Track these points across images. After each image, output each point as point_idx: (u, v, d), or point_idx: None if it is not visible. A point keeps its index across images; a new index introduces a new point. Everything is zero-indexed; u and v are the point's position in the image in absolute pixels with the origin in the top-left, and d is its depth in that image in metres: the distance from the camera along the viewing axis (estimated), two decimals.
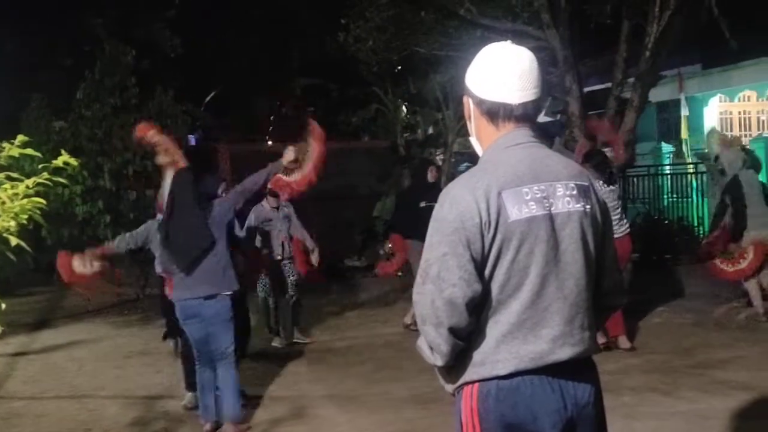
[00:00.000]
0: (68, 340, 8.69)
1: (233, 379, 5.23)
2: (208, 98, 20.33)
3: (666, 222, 12.89)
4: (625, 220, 7.32)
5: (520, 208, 2.04)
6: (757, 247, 7.93)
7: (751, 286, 8.21)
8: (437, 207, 2.09)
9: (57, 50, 15.62)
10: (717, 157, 8.65)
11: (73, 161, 3.27)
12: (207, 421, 5.33)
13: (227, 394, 5.23)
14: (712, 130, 9.26)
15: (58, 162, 3.19)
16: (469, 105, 2.21)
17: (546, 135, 8.88)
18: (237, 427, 5.28)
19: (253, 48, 18.98)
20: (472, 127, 2.23)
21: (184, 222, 5.12)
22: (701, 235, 11.38)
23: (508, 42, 2.18)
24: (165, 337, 7.19)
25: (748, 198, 7.91)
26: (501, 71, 2.12)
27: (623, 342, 7.08)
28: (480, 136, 2.22)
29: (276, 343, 7.97)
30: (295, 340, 7.99)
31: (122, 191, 11.40)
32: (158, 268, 6.12)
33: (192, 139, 16.54)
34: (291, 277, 7.93)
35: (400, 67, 14.79)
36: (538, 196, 2.07)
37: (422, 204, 7.78)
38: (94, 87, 11.69)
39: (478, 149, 2.24)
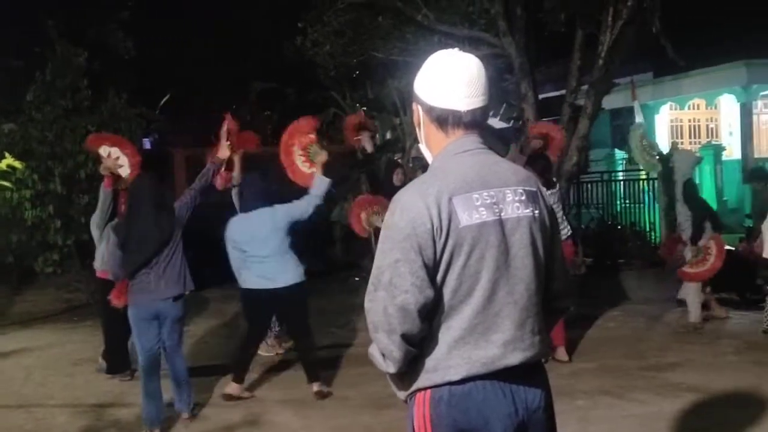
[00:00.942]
0: (16, 347, 8.47)
1: (186, 370, 5.55)
2: (163, 101, 20.07)
3: (619, 227, 13.10)
4: (566, 224, 7.32)
5: (470, 214, 2.04)
6: (717, 241, 7.98)
7: (692, 292, 8.15)
8: (388, 214, 2.09)
9: (6, 51, 15.24)
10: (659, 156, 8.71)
11: (18, 164, 3.17)
12: (153, 428, 5.37)
13: (182, 385, 5.51)
14: (635, 129, 9.28)
15: (2, 165, 3.09)
16: (419, 112, 2.21)
17: (502, 140, 8.98)
18: (191, 419, 5.55)
19: (209, 51, 18.80)
20: (421, 133, 2.24)
21: (142, 227, 5.22)
22: (653, 240, 11.58)
23: (456, 49, 2.20)
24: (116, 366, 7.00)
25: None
26: (450, 79, 2.13)
27: (561, 353, 6.86)
28: (429, 143, 2.22)
29: (264, 351, 7.80)
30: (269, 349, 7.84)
31: (74, 195, 11.18)
32: (112, 272, 5.93)
33: (146, 143, 16.33)
34: None
35: (357, 72, 14.78)
36: (488, 201, 2.08)
37: None
38: (44, 89, 11.46)
39: (428, 156, 2.24)
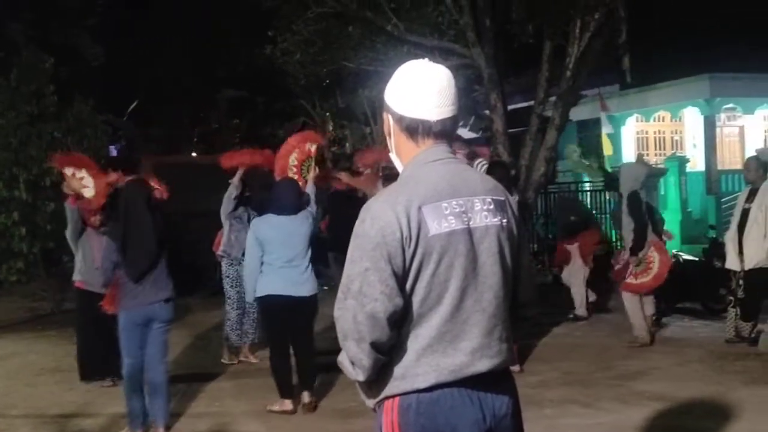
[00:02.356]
0: None
1: (167, 382, 5.50)
2: (130, 108, 19.90)
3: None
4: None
5: (439, 223, 2.06)
6: (658, 248, 7.94)
7: (632, 304, 7.91)
8: (358, 222, 2.09)
9: None
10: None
11: None
12: (136, 428, 5.39)
13: (161, 397, 5.44)
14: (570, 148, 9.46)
15: None
16: (389, 121, 2.22)
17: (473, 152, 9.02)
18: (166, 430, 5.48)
19: (178, 58, 18.70)
20: (391, 143, 2.25)
21: (141, 232, 5.30)
22: (618, 249, 11.70)
23: (426, 59, 2.22)
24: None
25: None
26: (420, 88, 2.14)
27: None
28: (399, 152, 2.24)
29: (227, 359, 7.70)
30: (242, 359, 7.80)
31: (39, 202, 11.01)
32: (104, 279, 5.92)
33: (113, 150, 16.17)
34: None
35: (327, 81, 14.79)
36: (457, 210, 2.09)
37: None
38: (9, 94, 11.27)
39: (398, 165, 2.26)
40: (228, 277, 7.72)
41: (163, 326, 5.46)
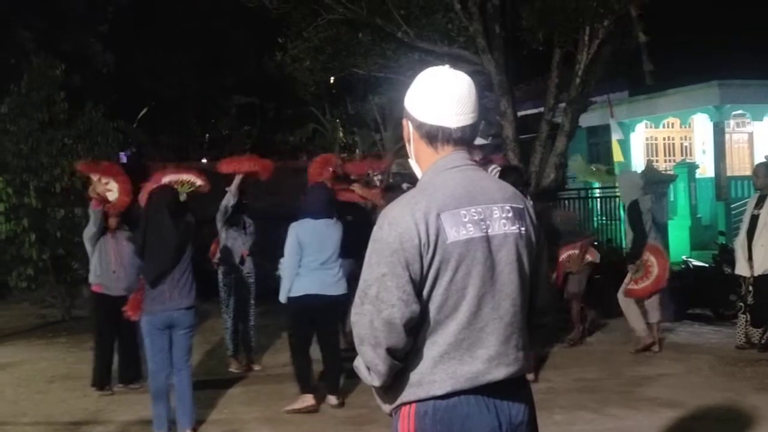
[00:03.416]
0: None
1: (191, 384, 5.62)
2: (140, 115, 19.98)
3: (595, 243, 13.19)
4: None
5: (458, 230, 2.06)
6: (654, 252, 7.92)
7: (628, 307, 7.92)
8: (376, 228, 2.10)
9: None
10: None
11: None
12: (161, 430, 5.48)
13: (187, 400, 5.56)
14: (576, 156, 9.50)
15: None
16: (409, 128, 2.23)
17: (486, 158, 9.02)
18: None
19: (189, 65, 18.78)
20: (411, 149, 2.25)
21: (161, 237, 5.44)
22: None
23: (447, 66, 2.22)
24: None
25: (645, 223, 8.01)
26: (440, 95, 2.15)
27: None
28: (419, 159, 2.24)
29: (234, 368, 7.71)
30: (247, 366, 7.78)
31: (49, 209, 11.06)
32: (128, 284, 6.08)
33: (123, 157, 16.23)
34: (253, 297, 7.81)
35: (337, 88, 14.84)
36: (476, 218, 2.09)
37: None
38: (20, 101, 11.34)
39: (417, 172, 2.26)
40: (225, 285, 7.72)
41: (187, 331, 5.60)
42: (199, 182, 7.10)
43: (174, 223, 5.49)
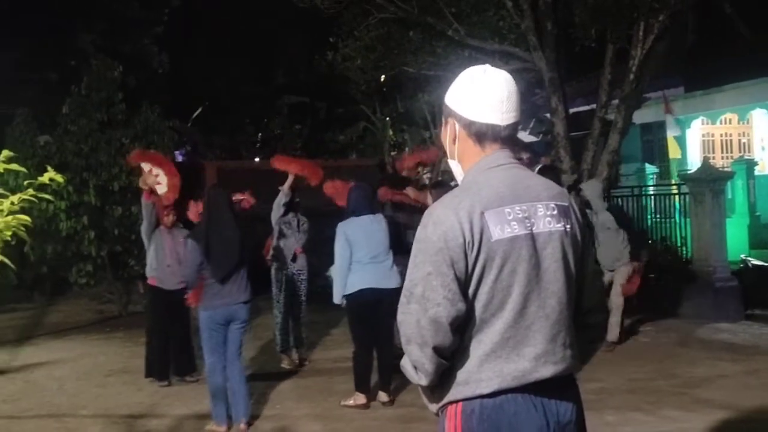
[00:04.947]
0: (49, 357, 8.60)
1: (245, 376, 5.83)
2: (194, 115, 20.32)
3: (650, 242, 12.97)
4: None
5: (502, 228, 2.06)
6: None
7: (621, 307, 8.08)
8: (420, 227, 2.11)
9: (43, 65, 15.56)
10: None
11: (59, 177, 3.25)
12: (222, 422, 5.67)
13: (242, 392, 5.72)
14: None
15: (44, 179, 3.17)
16: (455, 127, 2.22)
17: (532, 154, 8.96)
18: (247, 426, 5.72)
19: (241, 65, 19.02)
20: (455, 148, 2.24)
21: (225, 234, 5.61)
22: (684, 255, 11.44)
23: (487, 65, 2.22)
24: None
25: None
26: (490, 94, 2.15)
27: None
28: (462, 158, 2.24)
29: (286, 364, 7.82)
30: (297, 360, 7.87)
31: (107, 207, 11.35)
32: (188, 278, 6.28)
33: (178, 156, 16.54)
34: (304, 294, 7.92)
35: (388, 87, 14.84)
36: (520, 216, 2.09)
37: None
38: (80, 102, 11.67)
39: (458, 172, 2.26)
40: (277, 281, 7.84)
41: (242, 325, 5.76)
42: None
43: (236, 222, 5.67)
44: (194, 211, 6.93)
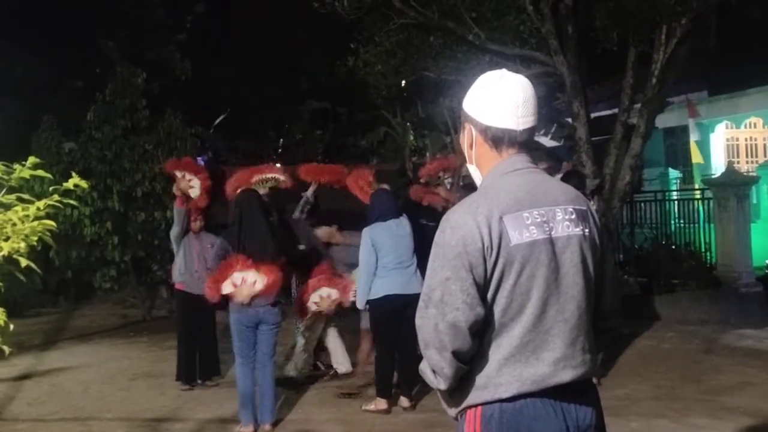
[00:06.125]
0: (74, 361, 8.69)
1: (274, 380, 5.86)
2: (217, 121, 20.45)
3: (673, 247, 12.85)
4: None
5: (521, 233, 2.06)
6: None
7: None
8: (438, 232, 2.11)
9: (68, 72, 15.76)
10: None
11: (84, 183, 3.29)
12: (249, 424, 5.71)
13: (269, 395, 5.77)
14: None
15: (69, 184, 3.21)
16: (472, 132, 2.23)
17: (553, 159, 8.91)
18: (272, 428, 5.79)
19: (262, 72, 19.12)
20: (472, 153, 2.25)
21: (257, 235, 5.68)
22: (708, 261, 11.33)
23: (504, 69, 2.23)
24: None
25: None
26: (507, 99, 2.16)
27: None
28: (480, 163, 2.25)
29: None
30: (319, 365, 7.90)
31: (131, 213, 11.46)
32: (197, 285, 6.41)
33: (200, 161, 16.65)
34: None
35: (408, 92, 14.85)
36: (539, 220, 2.09)
37: None
38: (104, 109, 11.79)
39: (477, 176, 2.26)
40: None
41: (273, 327, 5.78)
42: (281, 177, 7.30)
43: (268, 225, 5.75)
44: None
